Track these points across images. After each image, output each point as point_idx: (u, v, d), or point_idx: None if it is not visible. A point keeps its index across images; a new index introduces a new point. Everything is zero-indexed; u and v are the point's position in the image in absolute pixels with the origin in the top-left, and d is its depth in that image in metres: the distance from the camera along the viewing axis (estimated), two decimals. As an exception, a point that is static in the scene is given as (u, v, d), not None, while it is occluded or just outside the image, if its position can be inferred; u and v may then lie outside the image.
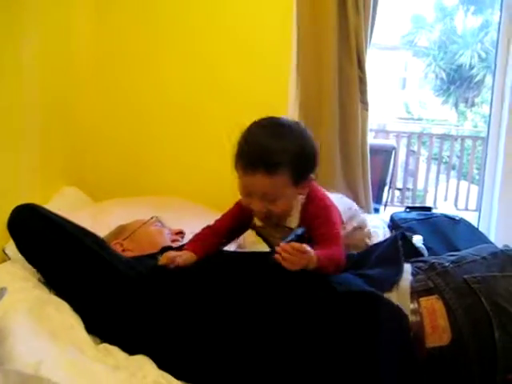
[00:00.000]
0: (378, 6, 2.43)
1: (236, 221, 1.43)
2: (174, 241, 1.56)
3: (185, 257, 1.28)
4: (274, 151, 1.22)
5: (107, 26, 2.36)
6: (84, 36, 2.28)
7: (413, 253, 1.31)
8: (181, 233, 1.59)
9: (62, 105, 2.08)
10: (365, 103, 2.50)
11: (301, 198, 1.34)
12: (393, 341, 1.04)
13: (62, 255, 1.18)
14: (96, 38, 2.34)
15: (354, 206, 1.83)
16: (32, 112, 1.81)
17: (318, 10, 2.39)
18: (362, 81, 2.46)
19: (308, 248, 1.14)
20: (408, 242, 1.35)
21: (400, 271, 1.17)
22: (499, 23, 2.77)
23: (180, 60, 2.41)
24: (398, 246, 1.27)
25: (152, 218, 1.58)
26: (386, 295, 1.12)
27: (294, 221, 1.35)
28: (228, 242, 1.47)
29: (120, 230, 1.57)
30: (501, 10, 2.76)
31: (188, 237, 1.55)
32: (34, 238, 1.21)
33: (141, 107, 2.43)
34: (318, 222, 1.31)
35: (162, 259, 1.26)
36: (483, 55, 9.83)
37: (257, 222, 1.37)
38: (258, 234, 1.40)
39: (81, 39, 2.26)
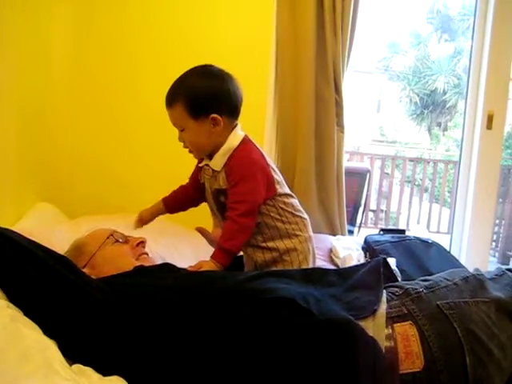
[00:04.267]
0: (355, 32, 2.49)
1: (196, 180, 1.64)
2: (139, 256, 1.49)
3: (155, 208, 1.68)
4: (173, 87, 1.49)
5: (85, 43, 2.37)
6: (61, 53, 2.28)
7: (388, 277, 1.32)
8: (142, 242, 1.54)
9: (37, 121, 2.06)
10: (341, 126, 2.54)
11: (230, 149, 1.50)
12: (366, 374, 1.04)
13: (32, 281, 1.14)
14: (73, 55, 2.34)
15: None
16: (6, 127, 1.79)
17: (296, 34, 2.43)
18: (339, 104, 2.51)
19: (203, 262, 1.43)
20: (387, 266, 1.36)
21: (379, 300, 1.17)
22: (471, 51, 2.85)
23: (157, 77, 2.40)
24: (380, 272, 1.27)
25: (108, 237, 1.49)
26: (363, 323, 1.12)
27: (217, 164, 1.52)
28: (200, 200, 1.67)
29: (76, 250, 1.48)
30: (472, 38, 2.85)
31: (156, 258, 1.54)
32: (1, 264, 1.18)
33: (117, 123, 2.43)
34: (235, 177, 1.48)
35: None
36: (456, 81, 10.07)
37: (200, 179, 1.61)
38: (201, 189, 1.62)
39: (58, 56, 2.26)
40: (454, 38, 10.64)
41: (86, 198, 2.36)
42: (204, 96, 1.45)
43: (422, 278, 1.31)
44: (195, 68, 1.51)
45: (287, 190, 1.59)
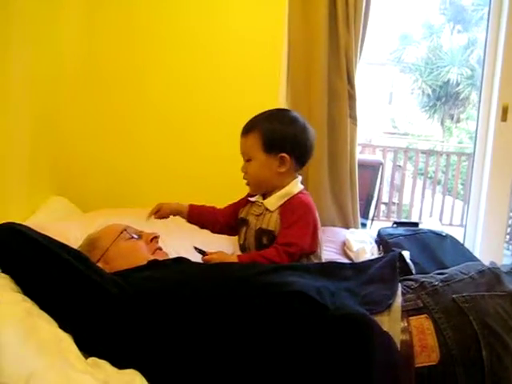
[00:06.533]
0: (368, 24, 2.47)
1: (235, 211, 1.65)
2: (154, 251, 1.49)
3: (178, 207, 1.66)
4: (254, 119, 1.55)
5: (95, 38, 2.38)
6: (73, 49, 2.29)
7: (404, 270, 1.32)
8: (155, 237, 1.53)
9: (50, 116, 2.07)
10: (354, 118, 2.52)
11: (288, 193, 1.52)
12: (381, 369, 1.03)
13: (47, 275, 1.15)
14: (84, 51, 2.36)
15: None
16: (20, 122, 1.80)
17: (309, 26, 2.41)
18: (352, 96, 2.49)
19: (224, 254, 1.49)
20: (402, 260, 1.35)
21: (394, 294, 1.17)
22: (485, 42, 2.81)
23: (168, 76, 2.42)
24: (396, 266, 1.27)
25: (122, 232, 1.48)
26: (378, 317, 1.11)
27: (272, 204, 1.53)
28: (223, 229, 1.70)
29: (90, 245, 1.48)
30: (487, 30, 2.81)
31: (171, 253, 1.54)
32: (16, 259, 1.19)
33: (129, 118, 2.44)
34: (290, 218, 1.48)
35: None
36: (469, 72, 9.97)
37: (241, 213, 1.62)
38: (239, 222, 1.62)
39: (70, 53, 2.27)
40: (467, 29, 10.51)
41: (98, 192, 2.37)
42: (282, 135, 1.51)
43: (438, 271, 1.30)
44: (281, 110, 1.65)
45: (321, 255, 1.60)
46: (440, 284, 1.19)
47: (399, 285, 1.20)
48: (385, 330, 1.09)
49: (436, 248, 2.14)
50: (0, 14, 1.60)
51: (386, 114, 11.10)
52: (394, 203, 6.34)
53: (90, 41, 2.36)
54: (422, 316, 1.13)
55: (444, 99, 10.70)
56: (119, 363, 1.08)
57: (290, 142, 1.51)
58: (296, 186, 1.55)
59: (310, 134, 1.56)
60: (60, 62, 2.17)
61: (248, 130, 1.53)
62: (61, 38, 2.16)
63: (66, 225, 1.79)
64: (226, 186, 2.18)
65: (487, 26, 2.80)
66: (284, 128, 1.52)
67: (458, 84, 10.23)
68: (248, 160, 1.54)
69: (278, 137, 1.50)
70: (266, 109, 1.60)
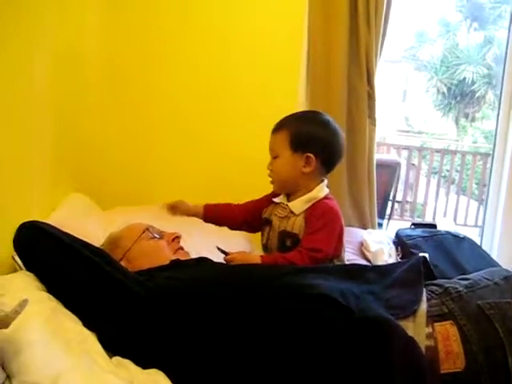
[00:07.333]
0: (388, 24, 2.45)
1: (255, 209, 1.64)
2: (176, 251, 1.51)
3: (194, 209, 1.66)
4: (286, 118, 1.56)
5: (116, 40, 2.38)
6: (94, 50, 2.30)
7: (427, 275, 1.31)
8: (177, 237, 1.54)
9: (72, 114, 2.08)
10: (372, 119, 2.51)
11: (314, 198, 1.51)
12: (406, 374, 1.03)
13: (70, 274, 1.16)
14: (106, 53, 2.36)
15: None
16: (43, 120, 1.81)
17: (329, 26, 2.40)
18: (371, 96, 2.48)
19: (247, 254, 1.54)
20: (426, 264, 1.33)
21: (419, 299, 1.16)
22: (507, 40, 2.77)
23: (185, 70, 2.42)
24: (421, 271, 1.26)
25: (144, 231, 1.49)
26: (404, 322, 1.11)
27: (297, 207, 1.51)
28: (241, 226, 1.70)
29: (112, 243, 1.49)
30: (509, 28, 2.77)
31: (192, 253, 1.55)
32: (40, 258, 1.20)
33: (147, 118, 2.45)
34: (316, 224, 1.47)
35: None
36: (485, 71, 9.87)
37: (264, 213, 1.62)
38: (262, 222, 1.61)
39: (91, 53, 2.28)
40: (484, 27, 10.39)
41: (117, 189, 2.38)
42: (310, 136, 1.50)
43: (461, 276, 1.29)
44: (315, 112, 1.67)
45: (345, 258, 1.60)
46: (465, 290, 1.18)
47: (424, 290, 1.20)
48: (410, 335, 1.08)
49: (454, 250, 2.12)
50: (21, 16, 1.61)
51: (399, 111, 11.03)
52: (407, 202, 6.30)
53: (110, 43, 2.36)
54: (447, 322, 1.12)
55: (459, 98, 10.62)
56: (142, 362, 1.09)
57: (318, 143, 1.50)
58: (322, 190, 1.54)
59: (340, 139, 1.55)
60: (81, 65, 2.17)
61: (278, 127, 1.54)
62: (81, 40, 2.17)
63: (85, 222, 1.80)
64: (242, 182, 2.19)
65: (509, 24, 2.77)
66: (314, 129, 1.52)
67: (473, 82, 10.13)
68: (275, 157, 1.54)
69: (306, 137, 1.50)
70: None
